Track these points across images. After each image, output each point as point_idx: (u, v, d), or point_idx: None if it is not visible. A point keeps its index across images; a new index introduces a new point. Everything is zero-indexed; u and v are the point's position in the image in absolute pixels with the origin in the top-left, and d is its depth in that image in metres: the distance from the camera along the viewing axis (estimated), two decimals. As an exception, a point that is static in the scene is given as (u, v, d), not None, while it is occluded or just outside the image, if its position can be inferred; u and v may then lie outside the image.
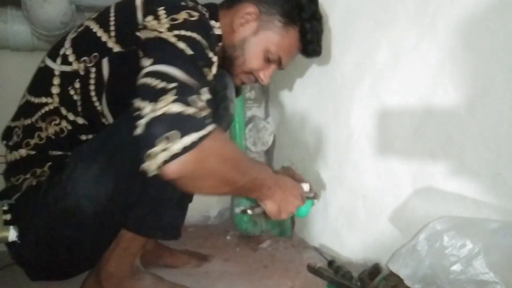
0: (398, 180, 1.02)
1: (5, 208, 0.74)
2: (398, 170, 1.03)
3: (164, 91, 0.64)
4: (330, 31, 1.24)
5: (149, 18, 0.79)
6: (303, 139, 1.41)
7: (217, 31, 0.96)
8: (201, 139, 0.64)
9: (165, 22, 0.76)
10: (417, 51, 0.97)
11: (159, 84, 0.65)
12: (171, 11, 0.78)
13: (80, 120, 0.86)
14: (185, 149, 0.62)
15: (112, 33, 0.85)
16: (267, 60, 1.00)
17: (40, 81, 0.91)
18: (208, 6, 0.99)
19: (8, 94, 1.47)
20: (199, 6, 0.90)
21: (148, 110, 0.63)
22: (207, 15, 0.92)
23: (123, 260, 0.87)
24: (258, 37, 0.98)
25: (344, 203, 1.22)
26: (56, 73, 0.88)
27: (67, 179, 0.78)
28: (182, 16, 0.77)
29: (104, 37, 0.85)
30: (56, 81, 0.88)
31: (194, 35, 0.74)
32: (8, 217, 0.73)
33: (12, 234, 0.71)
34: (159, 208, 0.85)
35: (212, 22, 0.94)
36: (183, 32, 0.73)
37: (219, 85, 0.88)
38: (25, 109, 0.91)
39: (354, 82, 1.17)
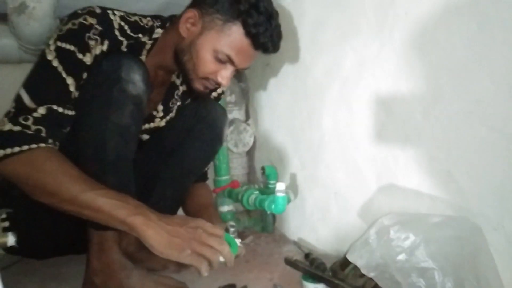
0: (365, 178, 1.11)
1: (4, 216, 0.80)
2: (364, 169, 1.12)
3: (9, 112, 0.87)
4: (301, 40, 1.33)
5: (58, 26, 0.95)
6: (281, 140, 1.50)
7: (155, 36, 1.05)
8: (16, 153, 0.82)
9: (57, 31, 0.93)
10: (378, 60, 1.06)
11: (12, 104, 0.88)
12: (65, 22, 0.93)
13: None
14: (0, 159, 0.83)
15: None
16: (219, 61, 1.00)
17: None
18: (168, 17, 1.09)
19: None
20: (100, 11, 0.95)
21: None
22: (156, 24, 1.05)
23: (102, 255, 0.91)
24: (203, 39, 1.00)
25: (318, 199, 1.31)
26: None
27: None
28: (67, 26, 0.91)
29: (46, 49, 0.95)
30: None
31: (67, 46, 0.90)
32: (6, 224, 0.80)
33: (10, 240, 0.77)
34: None
35: (157, 30, 1.05)
36: (59, 43, 0.90)
37: (110, 67, 0.91)
38: None
39: (324, 87, 1.25)
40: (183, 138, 1.15)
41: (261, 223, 1.53)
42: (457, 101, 0.88)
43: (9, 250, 0.94)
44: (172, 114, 1.19)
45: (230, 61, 1.01)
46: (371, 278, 0.85)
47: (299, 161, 1.40)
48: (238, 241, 0.91)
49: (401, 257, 0.73)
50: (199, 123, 1.15)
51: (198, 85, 1.04)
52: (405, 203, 1.00)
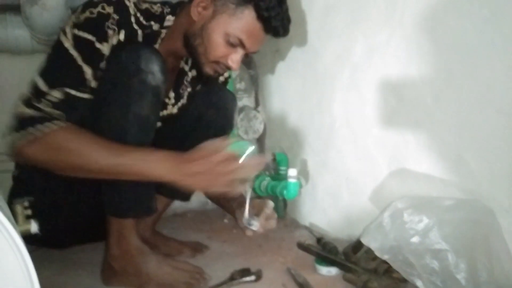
0: (376, 163, 1.13)
1: (26, 204, 0.82)
2: (375, 154, 1.13)
3: (24, 95, 0.90)
4: (311, 26, 1.33)
5: (72, 14, 0.95)
6: (291, 127, 1.51)
7: (167, 23, 1.05)
8: (37, 137, 0.85)
9: (73, 18, 0.93)
10: (388, 46, 1.06)
11: (28, 89, 0.91)
12: (81, 10, 0.93)
13: None
14: (21, 144, 0.86)
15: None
16: (230, 45, 1.01)
17: None
18: (176, 3, 1.08)
19: (9, 95, 1.55)
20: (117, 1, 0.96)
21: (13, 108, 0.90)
22: (166, 10, 1.05)
23: (121, 243, 0.94)
24: (215, 22, 1.00)
25: (329, 185, 1.33)
26: None
27: None
28: (84, 15, 0.92)
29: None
30: None
31: (85, 34, 0.91)
32: (29, 212, 0.82)
33: (33, 227, 0.79)
34: (122, 188, 0.92)
35: (168, 17, 1.05)
36: (76, 31, 0.91)
37: (129, 58, 0.92)
38: None
39: (334, 73, 1.26)
40: (194, 124, 1.17)
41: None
42: (467, 86, 0.88)
43: (30, 239, 0.96)
44: (183, 101, 1.20)
45: (241, 44, 1.01)
46: (383, 262, 0.87)
47: (310, 147, 1.41)
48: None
49: (415, 239, 0.75)
50: (210, 109, 1.17)
51: (209, 69, 1.05)
52: (416, 187, 1.01)
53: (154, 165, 0.87)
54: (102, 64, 0.93)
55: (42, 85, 0.89)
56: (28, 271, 0.55)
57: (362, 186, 1.18)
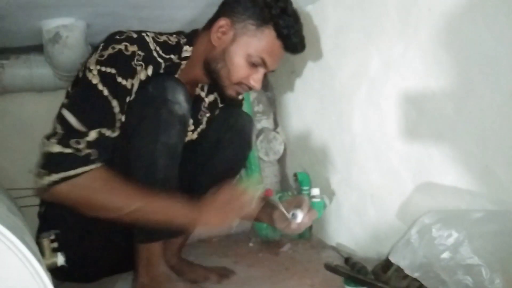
0: (400, 178, 1.10)
1: (52, 237, 0.84)
2: (399, 169, 1.11)
3: (56, 134, 0.88)
4: (325, 45, 1.33)
5: (94, 52, 0.96)
6: (311, 146, 1.50)
7: (185, 54, 1.06)
8: (71, 176, 0.85)
9: (97, 56, 0.93)
10: (404, 59, 1.05)
11: (57, 126, 0.90)
12: (103, 47, 0.94)
13: None
14: (53, 183, 0.85)
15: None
16: (252, 65, 1.04)
17: None
18: (190, 32, 1.11)
19: (35, 132, 1.60)
20: (137, 36, 0.97)
21: (42, 145, 0.88)
22: (182, 40, 1.06)
23: (150, 270, 0.96)
24: (236, 45, 1.03)
25: (354, 203, 1.31)
26: None
27: None
28: (108, 52, 0.93)
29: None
30: None
31: (108, 69, 0.91)
32: (55, 245, 0.84)
33: (60, 260, 0.80)
34: None
35: (185, 47, 1.06)
36: (101, 68, 0.91)
37: (156, 90, 0.94)
38: None
39: (351, 90, 1.25)
40: (213, 148, 1.18)
41: (298, 230, 1.53)
42: (489, 94, 0.86)
43: (57, 274, 0.97)
44: (202, 126, 1.22)
45: (263, 64, 1.04)
46: (414, 279, 0.84)
47: (332, 166, 1.39)
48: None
49: (445, 255, 0.72)
50: (228, 131, 1.19)
51: (231, 91, 1.07)
52: (443, 201, 0.98)
53: (178, 209, 0.92)
54: (128, 99, 0.94)
55: (77, 125, 0.88)
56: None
57: (388, 202, 1.16)
